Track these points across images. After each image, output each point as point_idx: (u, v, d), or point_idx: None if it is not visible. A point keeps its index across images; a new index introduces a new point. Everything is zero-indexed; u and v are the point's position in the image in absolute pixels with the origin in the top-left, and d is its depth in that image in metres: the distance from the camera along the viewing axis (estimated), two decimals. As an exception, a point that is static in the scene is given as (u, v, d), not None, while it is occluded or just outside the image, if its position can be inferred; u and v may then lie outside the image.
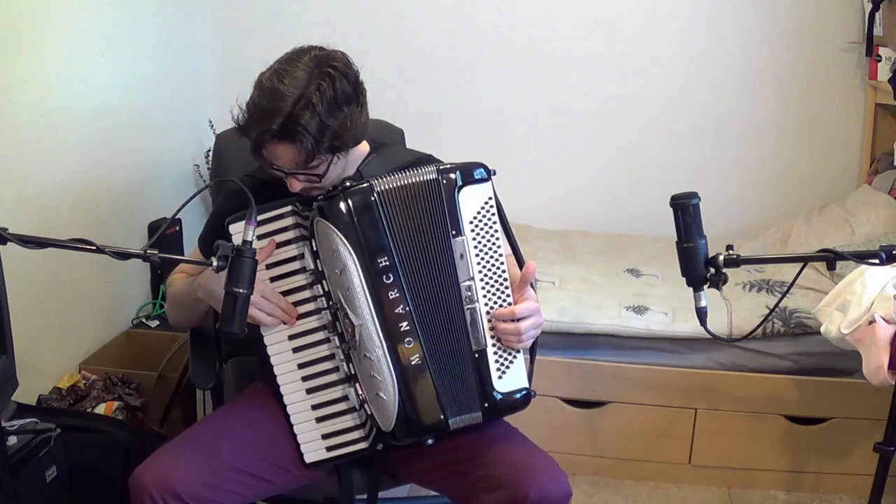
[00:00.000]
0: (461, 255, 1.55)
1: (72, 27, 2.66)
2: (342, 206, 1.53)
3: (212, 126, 3.35)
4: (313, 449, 1.64)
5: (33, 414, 2.10)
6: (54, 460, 1.99)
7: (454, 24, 3.49)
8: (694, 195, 1.48)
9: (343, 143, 1.55)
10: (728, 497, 2.63)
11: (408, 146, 2.12)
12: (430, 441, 1.62)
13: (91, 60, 2.77)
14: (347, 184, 1.56)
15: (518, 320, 1.55)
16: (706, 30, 3.37)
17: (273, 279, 1.60)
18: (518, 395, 1.59)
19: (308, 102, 1.48)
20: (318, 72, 1.51)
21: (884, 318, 2.03)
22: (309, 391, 1.63)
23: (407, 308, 1.55)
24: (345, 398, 1.62)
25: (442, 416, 1.56)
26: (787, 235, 3.17)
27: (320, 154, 1.52)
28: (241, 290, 1.39)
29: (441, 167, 1.56)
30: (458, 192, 1.55)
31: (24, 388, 2.24)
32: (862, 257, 1.46)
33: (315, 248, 1.57)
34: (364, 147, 1.73)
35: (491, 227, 1.57)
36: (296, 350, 1.62)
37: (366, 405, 1.59)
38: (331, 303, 1.58)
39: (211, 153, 3.00)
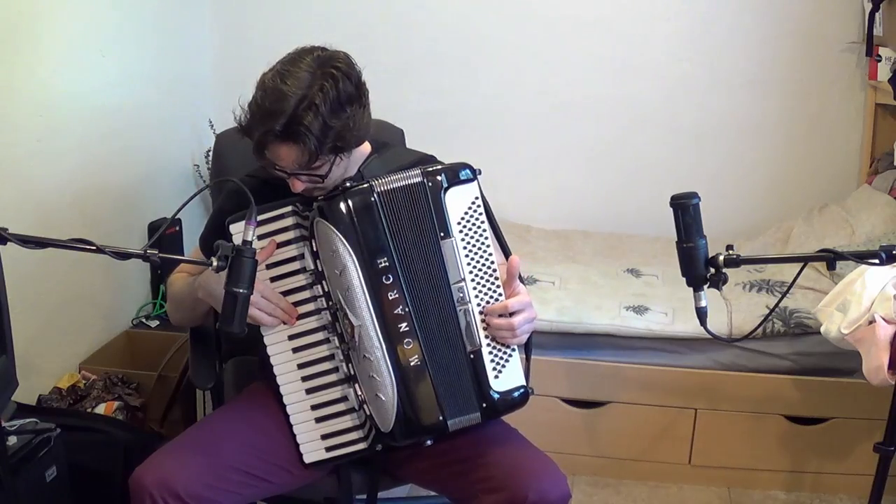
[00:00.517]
0: (451, 257, 1.55)
1: (72, 27, 2.66)
2: (342, 206, 1.53)
3: (212, 126, 3.36)
4: (312, 449, 1.64)
5: (33, 414, 2.10)
6: (54, 460, 1.99)
7: (454, 24, 3.49)
8: (694, 195, 1.48)
9: (346, 143, 1.55)
10: (728, 497, 2.63)
11: (408, 146, 2.13)
12: (428, 442, 1.62)
13: (91, 60, 2.77)
14: (348, 184, 1.56)
15: (511, 315, 1.56)
16: (706, 30, 3.37)
17: (273, 279, 1.60)
18: (516, 394, 1.59)
19: (311, 103, 1.48)
20: (321, 72, 1.51)
21: (884, 318, 2.03)
22: (308, 391, 1.63)
23: (406, 309, 1.55)
24: (344, 398, 1.62)
25: (441, 418, 1.56)
26: (787, 235, 3.17)
27: (323, 155, 1.52)
28: (240, 290, 1.39)
29: (426, 169, 1.56)
30: (445, 193, 1.55)
31: (24, 388, 2.24)
32: (862, 257, 1.46)
33: (315, 249, 1.57)
34: (366, 147, 1.73)
35: (479, 227, 1.57)
36: (295, 350, 1.62)
37: (365, 406, 1.59)
38: (330, 303, 1.58)
39: (211, 153, 3.00)
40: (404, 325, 1.55)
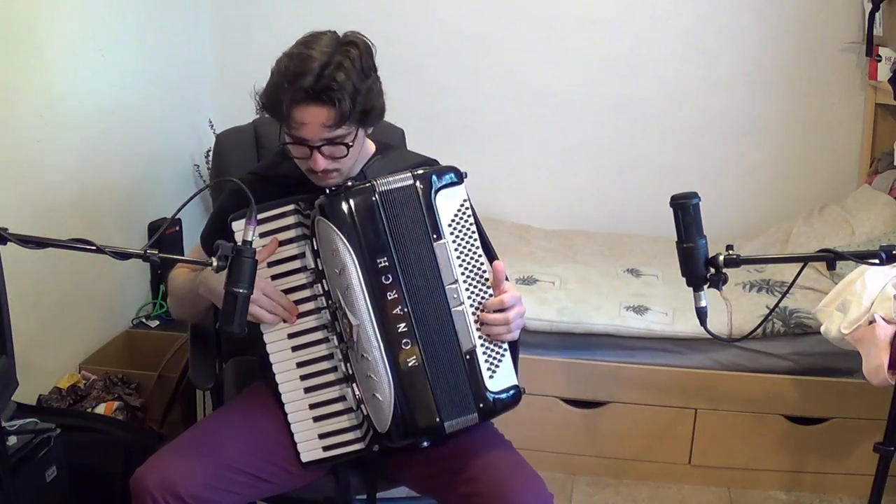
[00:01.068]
0: (444, 259, 1.55)
1: (72, 27, 2.66)
2: (343, 205, 1.53)
3: (212, 126, 3.36)
4: (310, 448, 1.64)
5: (33, 414, 2.11)
6: (54, 460, 1.99)
7: (454, 24, 3.49)
8: (694, 195, 1.48)
9: (371, 110, 1.56)
10: (728, 497, 2.63)
11: (408, 146, 2.13)
12: (425, 443, 1.61)
13: (91, 61, 2.77)
14: (350, 183, 1.56)
15: (506, 310, 1.56)
16: (706, 30, 3.37)
17: (274, 277, 1.60)
18: (510, 394, 1.59)
19: (339, 64, 1.50)
20: (343, 42, 1.54)
21: (884, 318, 2.03)
22: (307, 390, 1.63)
23: (405, 309, 1.55)
24: (342, 398, 1.62)
25: (437, 419, 1.56)
26: (787, 235, 3.17)
27: (352, 118, 1.52)
28: (241, 290, 1.39)
29: (415, 172, 1.57)
30: (436, 195, 1.56)
31: (24, 388, 2.24)
32: (862, 257, 1.46)
33: (316, 247, 1.57)
34: (370, 146, 1.74)
35: (469, 228, 1.58)
36: (295, 349, 1.62)
37: (362, 406, 1.59)
38: (330, 302, 1.58)
39: (211, 153, 3.00)
40: (403, 325, 1.55)
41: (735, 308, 2.62)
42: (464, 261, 1.57)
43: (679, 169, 3.46)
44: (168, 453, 1.55)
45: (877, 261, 1.43)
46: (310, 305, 1.61)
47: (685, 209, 1.47)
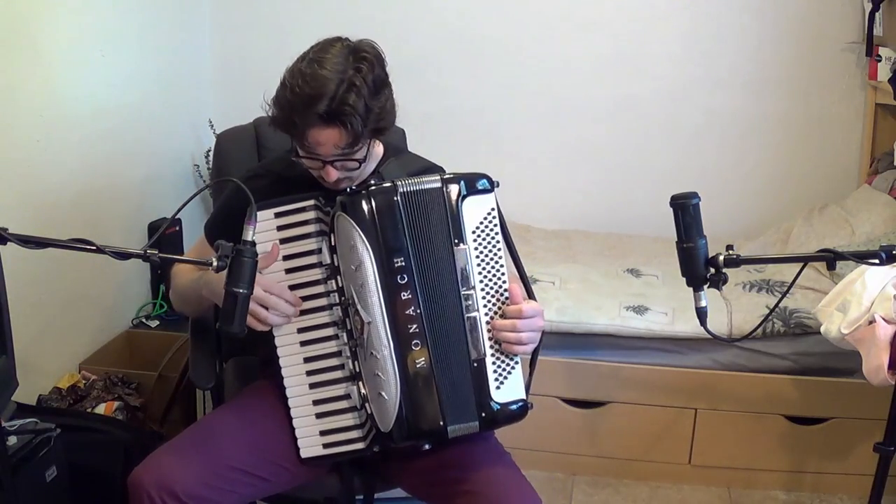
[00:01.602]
0: (463, 264, 1.55)
1: (72, 27, 2.66)
2: (364, 202, 1.53)
3: (212, 126, 3.36)
4: (310, 444, 1.64)
5: (33, 414, 2.11)
6: (54, 460, 1.99)
7: (454, 24, 3.49)
8: (694, 195, 1.48)
9: (385, 125, 1.57)
10: (728, 497, 2.63)
11: (408, 146, 2.13)
12: (427, 447, 1.61)
13: (91, 61, 2.77)
14: (371, 182, 1.57)
15: (520, 319, 1.55)
16: (706, 30, 3.37)
17: (288, 271, 1.61)
18: (516, 406, 1.58)
19: (352, 84, 1.50)
20: (354, 58, 1.53)
21: (884, 318, 2.03)
22: (312, 386, 1.63)
23: (418, 311, 1.54)
24: (347, 396, 1.62)
25: (441, 423, 1.55)
26: (787, 235, 3.17)
27: (365, 136, 1.54)
28: (241, 290, 1.39)
29: (445, 176, 1.57)
30: (462, 201, 1.56)
31: (24, 388, 2.24)
32: (862, 257, 1.46)
33: (333, 243, 1.58)
34: (380, 147, 1.74)
35: (493, 239, 1.57)
36: (303, 344, 1.62)
37: (367, 404, 1.59)
38: (343, 298, 1.58)
39: (211, 153, 3.00)
40: (414, 326, 1.54)
41: (735, 308, 2.62)
42: (483, 269, 1.56)
43: (679, 169, 3.46)
44: (166, 452, 1.55)
45: (877, 261, 1.43)
46: (322, 301, 1.61)
47: (685, 209, 1.47)
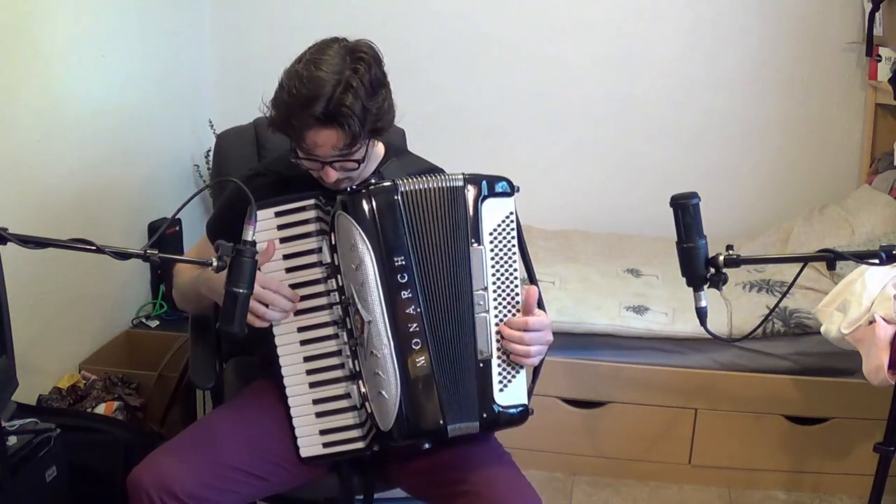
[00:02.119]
0: (477, 264, 1.55)
1: (72, 28, 2.66)
2: (365, 201, 1.54)
3: (212, 126, 3.36)
4: (310, 444, 1.64)
5: (33, 414, 2.11)
6: (54, 460, 1.99)
7: (454, 24, 3.49)
8: (694, 195, 1.48)
9: (383, 125, 1.57)
10: (728, 497, 2.63)
11: (408, 146, 2.14)
12: (426, 446, 1.61)
13: (91, 61, 2.77)
14: (372, 181, 1.58)
15: (528, 332, 1.55)
16: (706, 30, 3.37)
17: (289, 270, 1.61)
18: (517, 410, 1.58)
19: (349, 85, 1.50)
20: (351, 58, 1.53)
21: (884, 318, 2.02)
22: (312, 385, 1.63)
23: (418, 310, 1.55)
24: (347, 395, 1.62)
25: (441, 422, 1.55)
26: (787, 235, 3.17)
27: (363, 137, 1.54)
28: (240, 290, 1.39)
29: (468, 176, 1.57)
30: (482, 202, 1.56)
31: (24, 388, 2.24)
32: (862, 257, 1.46)
33: (333, 242, 1.58)
34: (380, 147, 1.75)
35: (509, 242, 1.58)
36: (303, 343, 1.62)
37: (367, 403, 1.59)
38: (343, 297, 1.58)
39: (211, 153, 3.00)
40: (415, 325, 1.55)
41: (735, 308, 2.62)
42: (497, 271, 1.56)
43: (679, 169, 3.46)
44: (165, 452, 1.55)
45: (877, 261, 1.43)
46: (322, 301, 1.61)
47: (685, 209, 1.47)
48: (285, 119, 1.53)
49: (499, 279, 1.57)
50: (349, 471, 1.71)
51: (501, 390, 1.57)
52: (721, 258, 1.46)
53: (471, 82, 3.54)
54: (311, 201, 1.61)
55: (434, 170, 1.76)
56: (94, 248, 1.38)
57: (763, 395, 2.56)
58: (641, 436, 2.66)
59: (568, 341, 2.62)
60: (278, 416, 1.65)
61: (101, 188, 2.83)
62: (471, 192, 1.56)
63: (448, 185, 1.56)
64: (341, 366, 1.62)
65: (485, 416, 1.56)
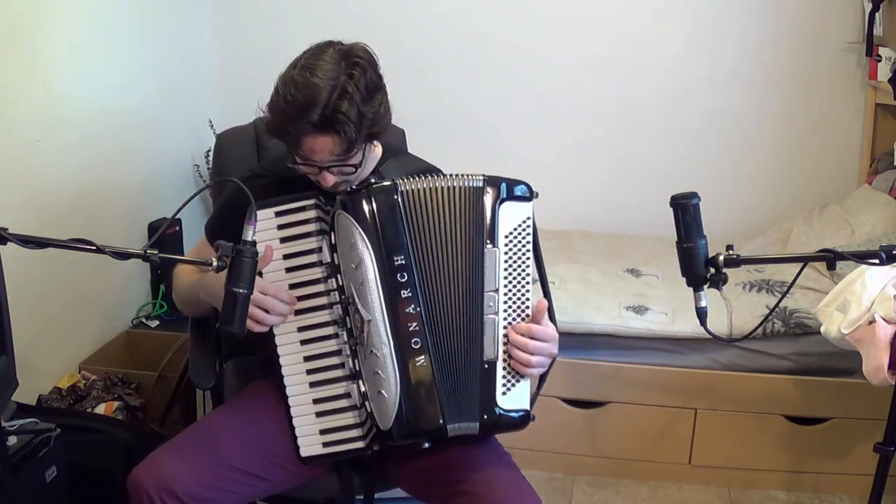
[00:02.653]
0: (491, 266, 1.55)
1: (72, 28, 2.66)
2: (365, 201, 1.54)
3: (212, 126, 3.36)
4: (310, 443, 1.64)
5: (33, 414, 2.11)
6: (54, 460, 1.99)
7: (454, 24, 3.49)
8: (694, 195, 1.48)
9: (379, 130, 1.58)
10: (728, 497, 2.63)
11: (408, 146, 2.14)
12: (426, 445, 1.61)
13: (91, 61, 2.77)
14: (372, 180, 1.58)
15: (533, 339, 1.55)
16: (706, 30, 3.37)
17: (289, 270, 1.61)
18: (518, 415, 1.57)
19: (344, 91, 1.50)
20: (346, 63, 1.53)
21: (884, 318, 2.02)
22: (312, 385, 1.63)
23: (418, 309, 1.55)
24: (347, 395, 1.62)
25: (441, 421, 1.55)
26: (787, 235, 3.17)
27: (359, 142, 1.54)
28: (240, 290, 1.39)
29: (487, 177, 1.58)
30: (500, 204, 1.57)
31: (24, 388, 2.24)
32: (862, 257, 1.46)
33: (333, 242, 1.58)
34: (379, 148, 1.75)
35: (524, 247, 1.58)
36: (303, 342, 1.62)
37: (367, 403, 1.59)
38: (343, 297, 1.58)
39: (211, 153, 3.00)
40: (414, 324, 1.55)
41: (735, 308, 2.62)
42: (510, 275, 1.56)
43: (679, 169, 3.46)
44: (165, 452, 1.55)
45: (877, 261, 1.43)
46: (322, 300, 1.61)
47: (685, 209, 1.47)
48: (282, 126, 1.54)
49: (511, 282, 1.57)
50: (349, 471, 1.71)
51: (504, 393, 1.57)
52: (721, 258, 1.46)
53: (471, 82, 3.54)
54: (311, 201, 1.61)
55: (432, 170, 1.76)
56: (94, 248, 1.38)
57: (763, 395, 2.56)
58: (641, 436, 2.66)
59: (568, 341, 2.60)
60: (278, 415, 1.65)
61: (101, 188, 2.84)
62: (489, 194, 1.56)
63: (467, 185, 1.56)
64: (341, 365, 1.62)
65: (485, 417, 1.56)
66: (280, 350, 1.63)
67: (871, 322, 2.05)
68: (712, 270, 1.47)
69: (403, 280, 1.54)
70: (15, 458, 1.87)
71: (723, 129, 3.45)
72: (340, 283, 1.58)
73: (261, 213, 1.55)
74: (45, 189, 2.55)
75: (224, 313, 1.40)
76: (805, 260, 1.51)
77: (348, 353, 1.60)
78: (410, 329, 1.55)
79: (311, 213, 1.61)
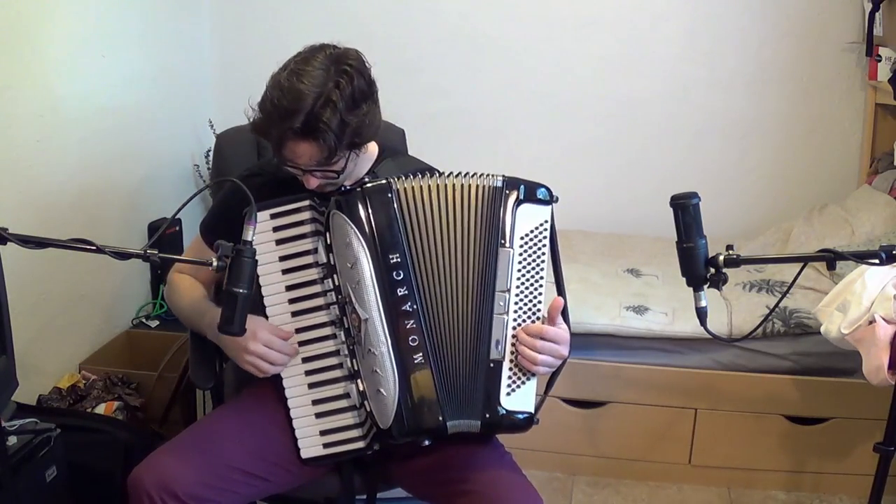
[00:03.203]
0: (504, 266, 1.55)
1: (72, 28, 2.66)
2: (359, 200, 1.55)
3: (212, 126, 3.36)
4: (310, 444, 1.64)
5: (33, 414, 2.11)
6: (54, 460, 1.99)
7: (454, 24, 3.49)
8: (694, 195, 1.48)
9: (362, 139, 1.57)
10: (728, 497, 2.63)
11: (408, 146, 2.14)
12: (426, 442, 1.61)
13: (91, 61, 2.77)
14: (367, 180, 1.58)
15: (542, 340, 1.55)
16: (706, 30, 3.37)
17: (285, 271, 1.62)
18: (521, 416, 1.57)
19: (328, 100, 1.50)
20: (335, 69, 1.52)
21: (884, 318, 2.03)
22: (311, 386, 1.63)
23: (415, 307, 1.55)
24: (346, 395, 1.62)
25: (440, 418, 1.55)
26: (787, 235, 3.17)
27: (340, 151, 1.54)
28: (241, 290, 1.39)
29: (507, 178, 1.58)
30: (518, 205, 1.57)
31: (24, 388, 2.24)
32: (862, 257, 1.46)
33: (329, 242, 1.59)
34: (374, 148, 1.74)
35: (540, 250, 1.58)
36: (302, 344, 1.63)
37: (366, 402, 1.59)
38: (339, 297, 1.59)
39: (211, 153, 3.00)
40: (412, 322, 1.55)
41: (735, 308, 2.62)
42: (523, 276, 1.56)
43: (679, 169, 3.46)
44: (166, 452, 1.55)
45: (877, 261, 1.43)
46: (319, 301, 1.62)
47: (685, 209, 1.48)
48: (266, 128, 1.54)
49: (523, 284, 1.56)
50: (350, 470, 1.71)
51: (509, 394, 1.56)
52: (721, 258, 1.47)
53: (471, 82, 3.54)
54: (306, 202, 1.61)
55: (429, 170, 1.76)
56: (94, 248, 1.38)
57: (763, 395, 2.56)
58: (641, 436, 2.66)
59: (568, 341, 2.61)
60: (279, 417, 1.65)
61: (101, 188, 2.84)
62: (508, 195, 1.56)
63: (487, 184, 1.56)
64: (340, 365, 1.62)
65: (487, 416, 1.56)
66: None
67: (871, 322, 2.05)
68: (712, 270, 1.47)
69: (399, 278, 1.54)
70: (15, 458, 1.87)
71: (722, 129, 3.45)
72: (337, 284, 1.59)
73: (262, 214, 1.55)
74: (45, 189, 2.55)
75: (224, 315, 1.40)
76: (805, 260, 1.51)
77: (346, 352, 1.60)
78: (408, 327, 1.55)
79: (306, 215, 1.61)
